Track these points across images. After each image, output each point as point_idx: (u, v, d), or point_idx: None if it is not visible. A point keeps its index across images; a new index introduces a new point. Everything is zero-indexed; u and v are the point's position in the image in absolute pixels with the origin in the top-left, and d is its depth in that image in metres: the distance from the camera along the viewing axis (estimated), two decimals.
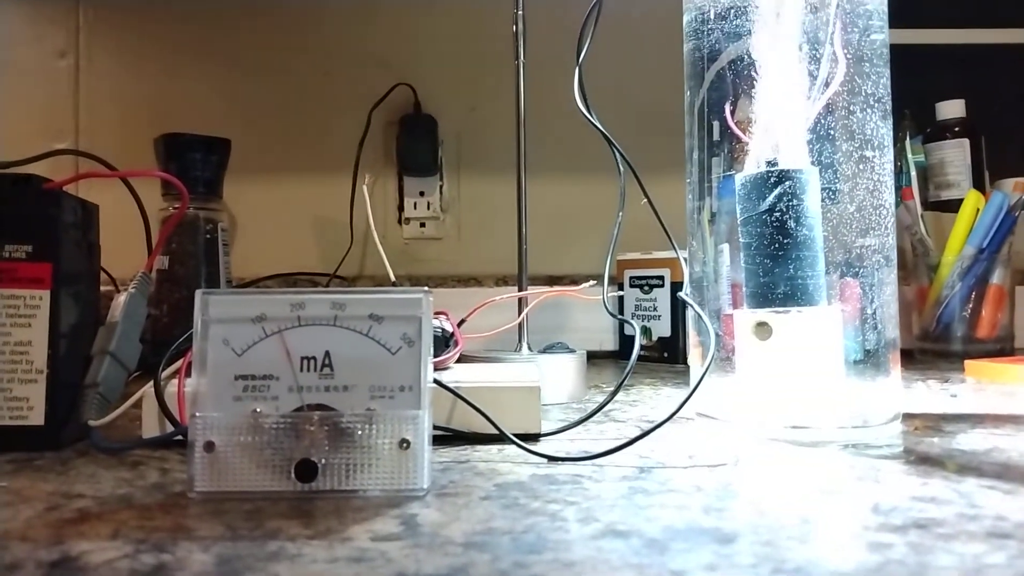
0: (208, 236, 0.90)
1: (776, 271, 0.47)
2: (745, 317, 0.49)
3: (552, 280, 1.05)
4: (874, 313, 0.49)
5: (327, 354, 0.34)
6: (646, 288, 0.93)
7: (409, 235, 1.08)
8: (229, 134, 0.94)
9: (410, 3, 1.10)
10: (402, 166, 1.07)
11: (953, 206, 0.97)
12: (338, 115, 1.07)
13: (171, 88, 1.08)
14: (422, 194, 1.08)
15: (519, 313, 0.66)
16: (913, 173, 0.98)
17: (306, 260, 1.07)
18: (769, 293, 0.47)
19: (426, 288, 0.34)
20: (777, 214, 0.47)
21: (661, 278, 0.92)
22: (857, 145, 0.48)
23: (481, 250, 1.08)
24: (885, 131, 0.49)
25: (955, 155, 1.04)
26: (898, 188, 0.97)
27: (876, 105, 0.49)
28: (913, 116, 1.07)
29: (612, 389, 0.53)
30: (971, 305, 0.91)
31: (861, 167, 0.48)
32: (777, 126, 0.49)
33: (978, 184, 1.04)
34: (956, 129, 1.05)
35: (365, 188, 0.71)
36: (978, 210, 0.91)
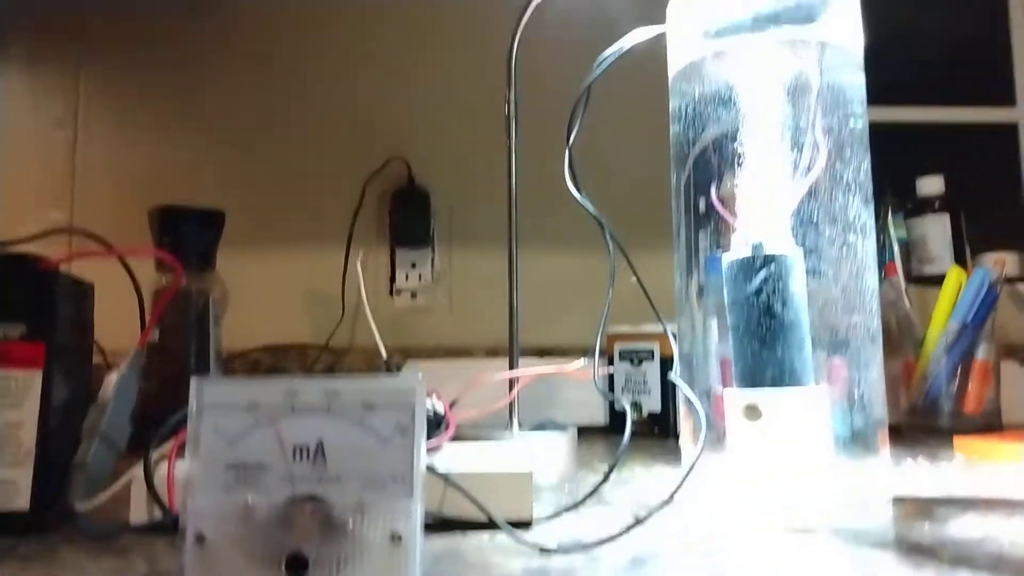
0: (200, 309, 0.90)
1: (764, 354, 0.48)
2: (734, 398, 0.49)
3: (542, 352, 1.06)
4: (862, 396, 0.50)
5: (320, 443, 0.34)
6: (636, 362, 0.94)
7: (400, 306, 1.09)
8: (224, 204, 0.95)
9: (405, 80, 1.13)
10: (395, 238, 1.08)
11: (936, 280, 0.99)
12: (332, 187, 1.09)
13: (167, 158, 1.10)
14: (414, 265, 1.09)
15: (510, 390, 0.66)
16: (896, 248, 1.00)
17: (297, 331, 1.07)
18: (758, 375, 0.48)
19: (419, 374, 0.34)
20: (764, 297, 0.48)
21: (651, 352, 0.92)
22: (840, 229, 0.49)
23: (472, 321, 1.09)
24: (867, 216, 0.50)
25: (936, 230, 1.07)
26: (881, 263, 0.99)
27: (858, 191, 0.50)
28: (894, 192, 1.10)
29: (604, 472, 0.53)
30: (957, 380, 0.92)
31: (845, 251, 0.49)
32: (761, 211, 0.50)
33: (959, 258, 1.06)
34: (936, 204, 1.08)
35: (359, 265, 0.71)
36: (960, 285, 0.93)
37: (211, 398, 0.34)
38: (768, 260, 0.48)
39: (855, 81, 0.51)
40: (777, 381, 0.47)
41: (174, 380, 0.89)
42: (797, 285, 0.48)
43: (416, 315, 1.10)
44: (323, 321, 1.06)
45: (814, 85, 0.49)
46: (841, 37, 0.50)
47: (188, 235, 0.91)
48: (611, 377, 0.96)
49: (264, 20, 1.14)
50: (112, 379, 0.51)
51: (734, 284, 0.49)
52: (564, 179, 0.61)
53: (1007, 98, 1.24)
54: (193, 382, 0.34)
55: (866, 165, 0.51)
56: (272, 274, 1.08)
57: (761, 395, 0.47)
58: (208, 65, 1.12)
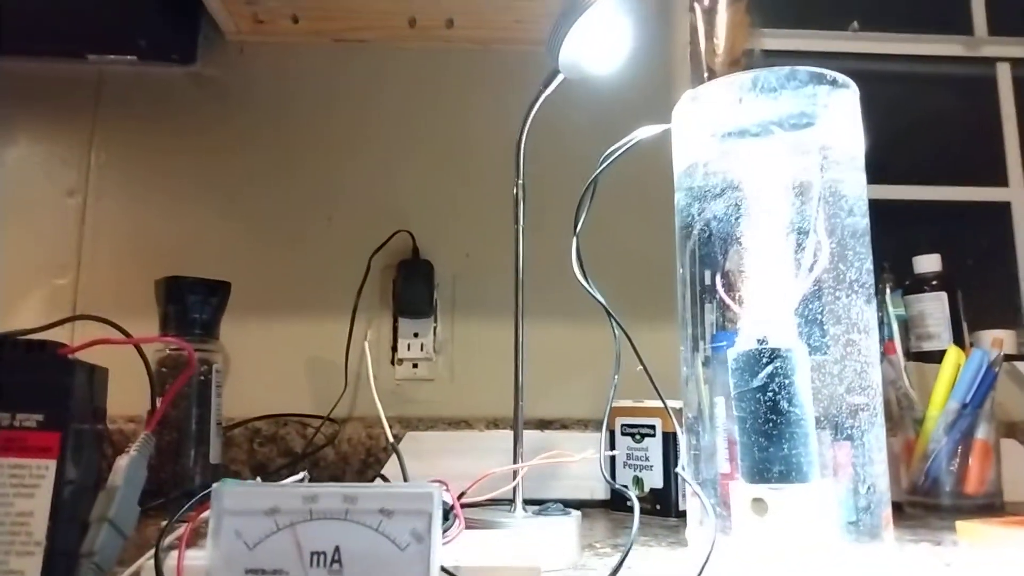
0: (202, 378, 0.91)
1: (770, 449, 0.48)
2: (742, 492, 0.49)
3: (543, 424, 1.06)
4: (868, 487, 0.50)
5: (336, 549, 0.34)
6: (637, 437, 0.94)
7: (401, 376, 1.09)
8: (229, 274, 0.96)
9: (411, 156, 1.15)
10: (398, 308, 1.09)
11: (935, 356, 0.99)
12: (337, 259, 1.10)
13: (174, 228, 1.11)
14: (416, 335, 1.09)
15: (514, 477, 0.67)
16: (895, 326, 1.01)
17: (298, 400, 1.07)
18: (764, 471, 0.48)
19: (437, 482, 0.35)
20: (770, 393, 0.48)
21: (652, 427, 0.92)
22: (844, 329, 0.50)
23: (473, 392, 1.09)
24: (870, 315, 0.52)
25: (934, 307, 1.08)
26: (880, 340, 0.99)
27: (860, 290, 0.51)
28: (892, 269, 1.12)
29: (613, 567, 0.53)
30: (958, 460, 0.92)
31: (848, 350, 0.50)
32: (766, 306, 0.51)
33: (957, 334, 1.07)
34: (934, 283, 1.09)
35: (367, 345, 0.72)
36: (959, 365, 0.93)
37: (231, 504, 0.34)
38: (774, 355, 0.49)
39: (857, 181, 0.53)
40: (783, 477, 0.48)
41: (174, 449, 0.89)
42: (802, 380, 0.49)
43: (417, 385, 1.10)
44: (324, 391, 1.06)
45: (816, 185, 0.51)
46: (842, 140, 0.52)
47: (193, 305, 0.92)
48: (612, 462, 0.96)
49: (273, 95, 1.17)
50: (122, 464, 0.51)
51: (740, 377, 0.50)
52: (565, 253, 0.62)
53: (1000, 179, 1.28)
54: (214, 490, 0.34)
55: (868, 264, 0.52)
56: (274, 344, 1.09)
57: (768, 491, 0.48)
58: (217, 138, 1.14)
